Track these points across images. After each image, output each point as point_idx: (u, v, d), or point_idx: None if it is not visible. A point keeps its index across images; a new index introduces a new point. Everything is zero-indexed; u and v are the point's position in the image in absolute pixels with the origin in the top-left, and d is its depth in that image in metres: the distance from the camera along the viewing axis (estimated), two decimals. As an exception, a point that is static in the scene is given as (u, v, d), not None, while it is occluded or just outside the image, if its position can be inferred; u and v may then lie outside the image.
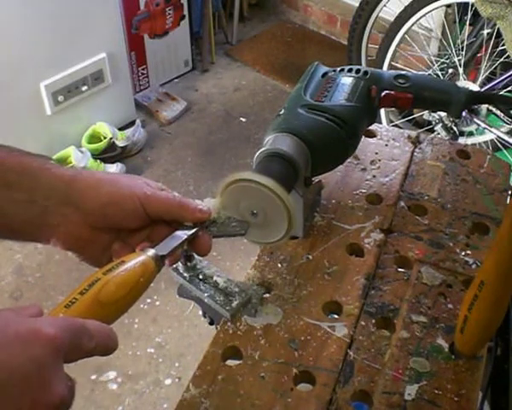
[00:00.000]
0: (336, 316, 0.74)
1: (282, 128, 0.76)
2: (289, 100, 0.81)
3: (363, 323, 0.72)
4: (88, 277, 0.51)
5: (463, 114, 2.03)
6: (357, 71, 0.85)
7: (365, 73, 0.85)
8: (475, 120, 2.03)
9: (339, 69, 0.87)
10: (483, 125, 2.03)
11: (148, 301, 1.95)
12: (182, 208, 0.60)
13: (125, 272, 0.52)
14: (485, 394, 0.76)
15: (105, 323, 0.49)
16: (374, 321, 0.72)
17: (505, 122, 2.00)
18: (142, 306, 1.94)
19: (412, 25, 2.22)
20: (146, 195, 0.58)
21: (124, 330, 1.87)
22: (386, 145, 0.98)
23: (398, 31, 2.24)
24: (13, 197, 0.56)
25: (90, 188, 0.58)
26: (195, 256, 0.73)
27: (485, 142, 2.24)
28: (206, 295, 0.72)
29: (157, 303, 1.95)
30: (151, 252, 0.55)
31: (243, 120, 2.69)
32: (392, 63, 2.34)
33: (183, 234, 0.60)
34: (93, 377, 1.75)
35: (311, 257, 0.80)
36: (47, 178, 0.57)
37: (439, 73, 2.24)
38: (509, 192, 0.92)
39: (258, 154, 0.74)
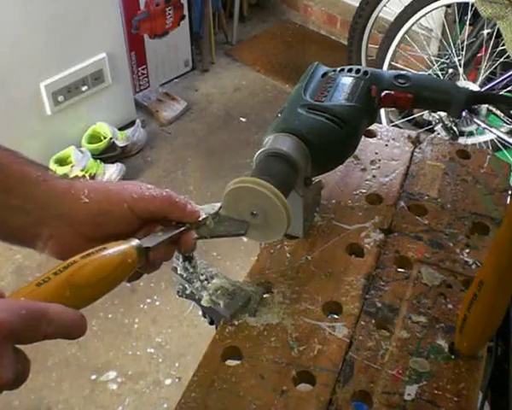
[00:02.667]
0: (336, 316, 0.74)
1: (281, 128, 0.75)
2: (289, 100, 0.81)
3: (362, 323, 0.72)
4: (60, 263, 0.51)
5: (463, 114, 2.03)
6: (357, 71, 0.85)
7: (365, 72, 0.85)
8: (475, 120, 2.03)
9: (339, 69, 0.87)
10: (483, 125, 2.04)
11: (148, 301, 1.95)
12: (170, 207, 0.60)
13: (103, 258, 0.52)
14: (486, 394, 0.76)
15: (75, 306, 0.48)
16: (374, 321, 0.72)
17: (505, 122, 2.00)
18: (142, 306, 1.94)
19: (412, 25, 2.22)
20: (133, 198, 0.59)
21: (124, 330, 1.87)
22: (386, 145, 0.98)
23: (398, 31, 2.24)
24: (10, 203, 0.56)
25: (81, 200, 0.58)
26: (195, 256, 0.73)
27: (485, 142, 2.24)
28: (206, 295, 0.72)
29: (157, 303, 1.95)
30: (135, 242, 0.56)
31: (243, 120, 2.69)
32: (392, 63, 2.34)
33: (172, 230, 0.60)
34: (93, 377, 1.75)
35: (310, 257, 0.80)
36: (42, 190, 0.58)
37: (439, 73, 2.24)
38: (509, 192, 0.92)
39: (258, 154, 0.74)
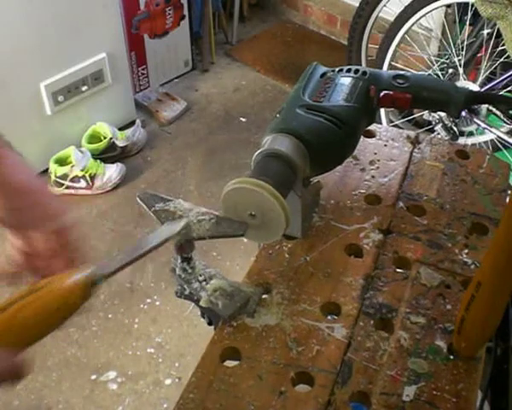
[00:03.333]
0: (335, 317, 0.74)
1: (280, 129, 0.75)
2: (288, 100, 0.81)
3: (361, 324, 0.72)
4: (11, 295, 0.49)
5: (463, 114, 2.03)
6: (356, 71, 0.85)
7: (364, 73, 0.85)
8: (475, 120, 2.03)
9: (337, 69, 0.86)
10: (483, 125, 2.03)
11: (148, 301, 1.95)
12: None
13: (47, 298, 0.50)
14: (485, 394, 0.76)
15: (21, 346, 0.47)
16: (372, 322, 0.72)
17: (505, 122, 2.00)
18: (142, 306, 1.94)
19: (412, 25, 2.22)
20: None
21: (124, 330, 1.87)
22: (385, 145, 0.98)
23: (398, 31, 2.24)
24: None
25: None
26: (194, 257, 0.73)
27: (485, 142, 2.24)
28: (204, 295, 0.72)
29: (157, 303, 1.95)
30: (88, 272, 0.53)
31: (243, 119, 2.69)
32: (392, 63, 2.34)
33: (132, 253, 0.57)
34: (93, 377, 1.75)
35: (309, 258, 0.80)
36: None
37: (439, 73, 2.24)
38: (508, 192, 0.92)
39: (256, 154, 0.74)
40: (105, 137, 2.38)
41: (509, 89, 2.03)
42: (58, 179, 2.27)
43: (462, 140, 2.15)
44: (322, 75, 0.86)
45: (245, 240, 0.70)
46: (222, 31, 3.14)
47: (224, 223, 0.68)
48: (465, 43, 2.13)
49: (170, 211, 0.69)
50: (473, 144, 2.16)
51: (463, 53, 2.12)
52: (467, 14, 2.12)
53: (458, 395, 0.65)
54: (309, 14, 3.26)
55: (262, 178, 0.69)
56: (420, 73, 2.24)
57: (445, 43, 2.30)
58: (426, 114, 2.18)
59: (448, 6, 2.23)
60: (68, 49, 2.21)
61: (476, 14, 1.99)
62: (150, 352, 1.82)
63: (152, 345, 1.84)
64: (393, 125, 2.32)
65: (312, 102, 0.79)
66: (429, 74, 2.23)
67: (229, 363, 0.69)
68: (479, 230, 0.84)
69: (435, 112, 2.03)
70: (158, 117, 2.66)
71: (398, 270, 0.79)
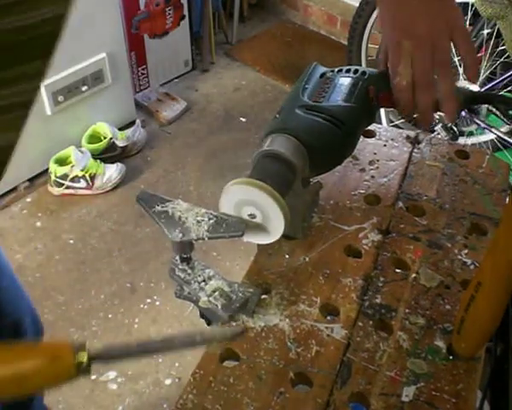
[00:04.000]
0: (334, 317, 0.74)
1: (279, 129, 0.75)
2: (287, 101, 0.81)
3: (360, 324, 0.72)
4: None
5: (463, 114, 2.03)
6: (356, 71, 0.85)
7: (363, 73, 0.85)
8: (475, 120, 2.03)
9: (337, 69, 0.86)
10: (483, 125, 2.03)
11: (148, 301, 1.95)
12: None
13: (21, 372, 0.46)
14: (485, 394, 0.76)
15: None
16: (371, 322, 0.72)
17: (505, 122, 2.00)
18: (142, 306, 1.94)
19: (412, 25, 2.21)
20: None
21: (124, 330, 1.87)
22: (385, 145, 0.98)
23: (398, 31, 2.23)
24: None
25: None
26: (193, 258, 0.73)
27: (485, 142, 2.24)
28: (203, 296, 0.72)
29: (157, 303, 1.95)
30: (77, 351, 0.47)
31: (243, 120, 2.69)
32: (393, 63, 2.33)
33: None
34: (93, 377, 1.75)
35: (308, 258, 0.80)
36: None
37: (439, 72, 2.24)
38: (508, 192, 0.91)
39: (255, 155, 0.74)
40: (105, 137, 2.38)
41: (509, 89, 2.03)
42: (58, 179, 2.27)
43: (462, 140, 2.15)
44: (322, 75, 0.86)
45: (245, 240, 0.70)
46: (222, 31, 3.14)
47: (224, 223, 0.68)
48: (465, 43, 2.12)
49: (169, 212, 0.70)
50: (473, 144, 2.16)
51: (463, 53, 2.11)
52: (467, 14, 2.12)
53: (458, 395, 0.65)
54: (309, 14, 3.27)
55: (261, 178, 0.69)
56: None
57: (445, 42, 2.30)
58: (426, 114, 2.18)
59: (448, 6, 2.23)
60: (68, 49, 2.20)
61: (476, 14, 1.99)
62: (150, 352, 1.82)
63: (152, 345, 1.84)
64: (393, 125, 2.32)
65: (312, 103, 0.79)
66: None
67: (229, 364, 0.69)
68: (478, 230, 0.84)
69: (435, 112, 2.03)
70: (158, 117, 2.66)
71: (397, 270, 0.78)
